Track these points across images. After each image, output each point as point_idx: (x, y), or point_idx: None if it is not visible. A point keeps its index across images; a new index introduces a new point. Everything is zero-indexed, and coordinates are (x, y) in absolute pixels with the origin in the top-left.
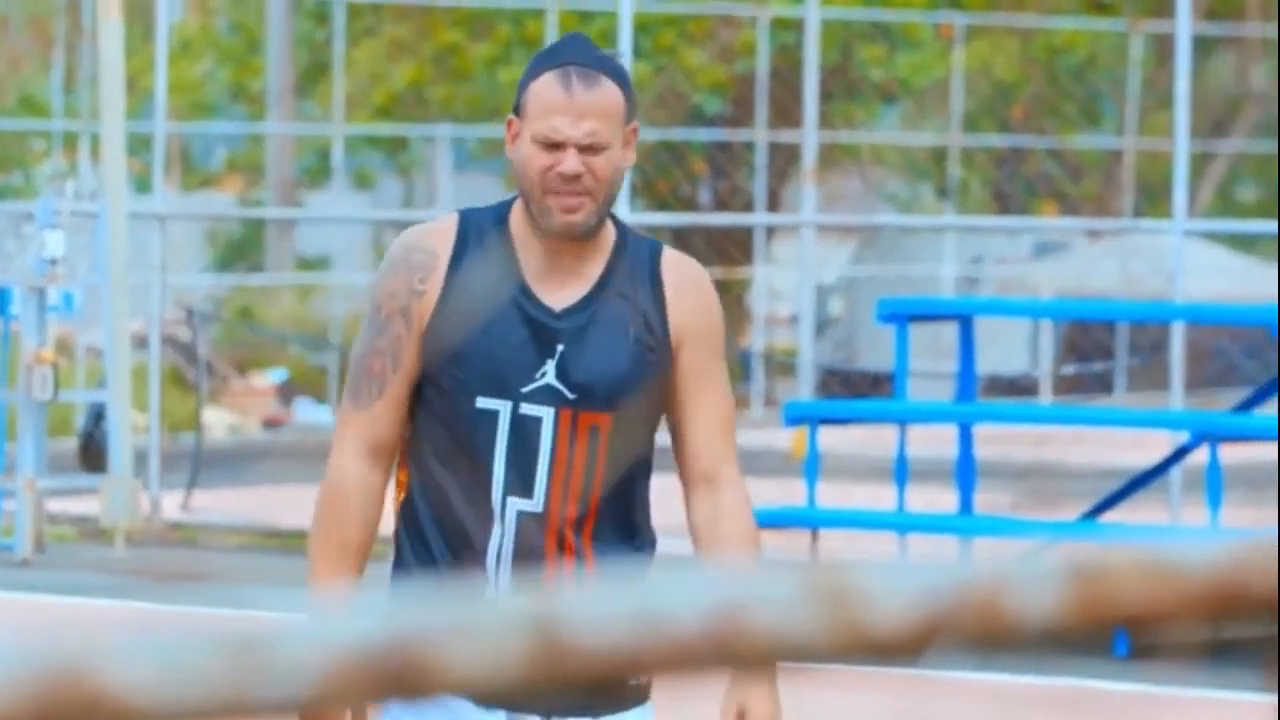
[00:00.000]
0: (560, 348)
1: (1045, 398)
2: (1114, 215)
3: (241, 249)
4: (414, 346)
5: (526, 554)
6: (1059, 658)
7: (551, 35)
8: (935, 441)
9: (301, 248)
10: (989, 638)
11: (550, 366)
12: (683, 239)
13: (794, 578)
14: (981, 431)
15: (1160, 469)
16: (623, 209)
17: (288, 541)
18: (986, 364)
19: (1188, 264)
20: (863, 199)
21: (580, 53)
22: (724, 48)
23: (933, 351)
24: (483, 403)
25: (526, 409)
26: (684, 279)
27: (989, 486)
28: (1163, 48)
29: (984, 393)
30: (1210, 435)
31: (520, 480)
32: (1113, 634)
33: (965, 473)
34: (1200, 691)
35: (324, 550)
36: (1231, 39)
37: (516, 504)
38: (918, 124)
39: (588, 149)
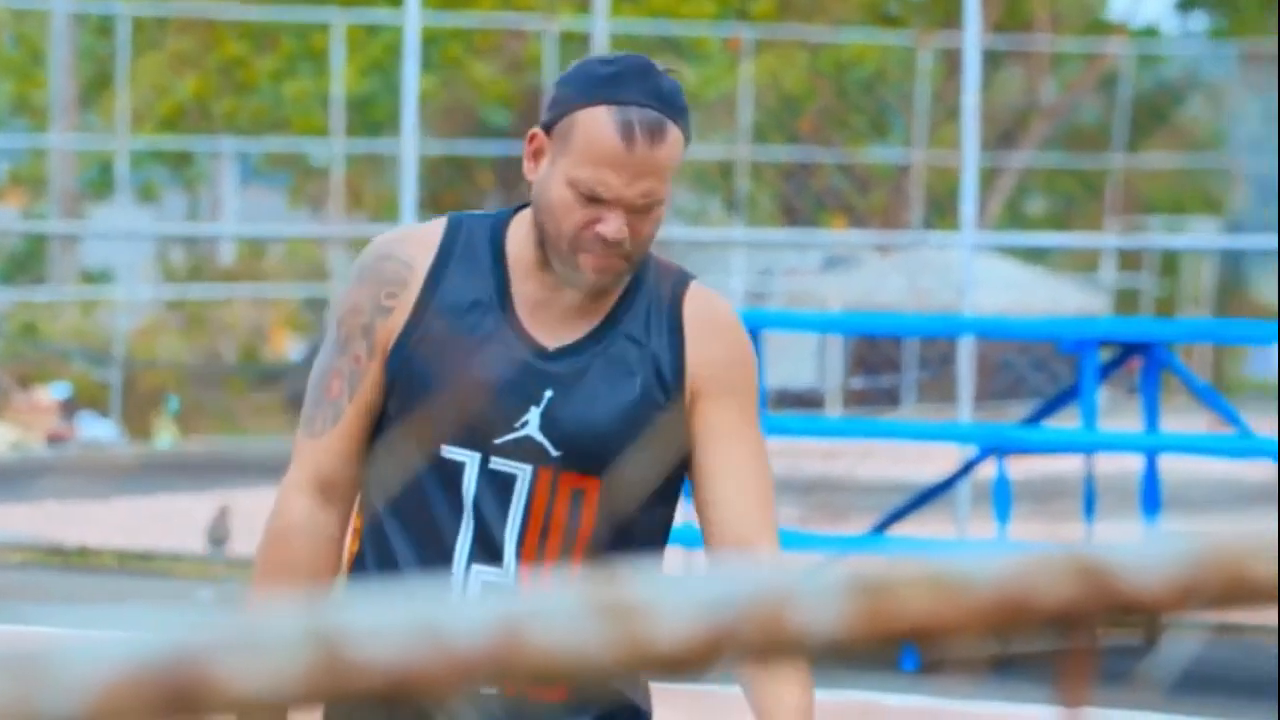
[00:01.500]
0: (548, 394)
1: (833, 411)
2: (903, 228)
3: (24, 263)
4: (375, 372)
5: None
6: (847, 672)
7: (337, 48)
8: None
9: (85, 262)
10: (774, 652)
11: (534, 415)
12: None
13: (576, 592)
14: (769, 445)
15: (948, 482)
16: (409, 221)
17: (70, 559)
18: (774, 377)
19: (976, 277)
20: None
21: (645, 89)
22: (511, 60)
23: None
24: (448, 452)
25: (498, 464)
26: (707, 320)
27: (777, 500)
28: (951, 61)
29: (772, 406)
30: (998, 448)
31: (486, 546)
32: (901, 649)
33: None
34: (987, 705)
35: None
36: (1019, 52)
37: (482, 573)
38: (705, 137)
39: (638, 209)
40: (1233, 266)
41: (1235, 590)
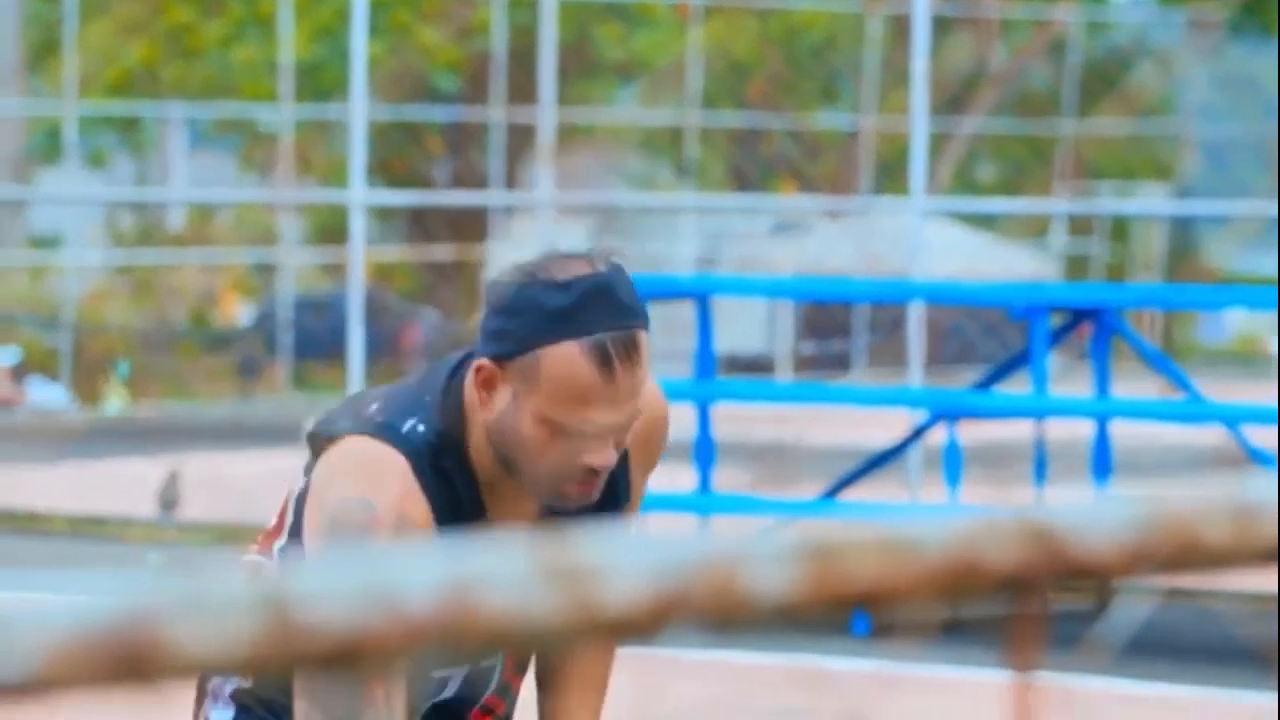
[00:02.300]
0: None
1: (784, 376)
2: (852, 194)
3: None
4: None
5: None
6: (799, 637)
7: (285, 14)
8: (674, 420)
9: (33, 227)
10: (725, 616)
11: None
12: (420, 218)
13: (526, 555)
14: (720, 410)
15: (899, 447)
16: (357, 188)
17: (21, 523)
18: (725, 343)
19: (926, 243)
20: (600, 177)
21: (610, 311)
22: (460, 26)
23: (671, 330)
24: (438, 672)
25: (483, 665)
26: (648, 428)
27: (728, 465)
28: (900, 26)
29: (722, 371)
30: (949, 413)
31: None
32: (851, 613)
33: (704, 451)
34: (938, 669)
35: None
36: (968, 18)
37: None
38: (655, 102)
39: (623, 428)
40: (1182, 232)
41: (1186, 555)
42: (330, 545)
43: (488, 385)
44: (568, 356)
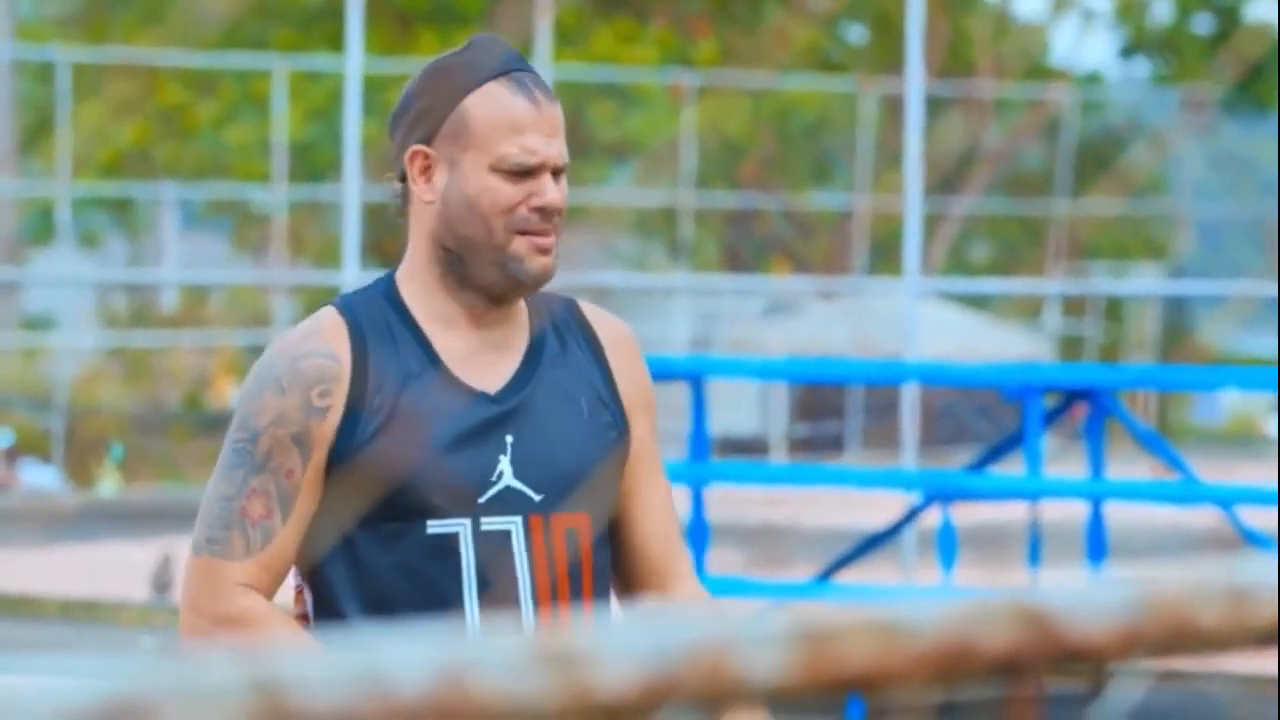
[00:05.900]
0: (509, 438)
1: (777, 458)
2: (846, 274)
3: None
4: (313, 483)
5: None
6: None
7: (279, 95)
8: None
9: (26, 308)
10: (718, 699)
11: (505, 464)
12: None
13: (519, 639)
14: (714, 492)
15: (893, 529)
16: (350, 269)
17: (13, 606)
18: (718, 424)
19: (920, 323)
20: (594, 257)
21: (510, 56)
22: None
23: (664, 411)
24: (436, 526)
25: (489, 523)
26: (621, 339)
27: (721, 547)
28: (893, 106)
29: (716, 453)
30: (942, 495)
31: (498, 611)
32: (845, 697)
33: (697, 533)
34: None
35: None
36: (962, 98)
37: None
38: (649, 183)
39: (559, 171)
40: (1177, 312)
41: (1180, 638)
42: (260, 384)
43: (424, 171)
44: (490, 92)
